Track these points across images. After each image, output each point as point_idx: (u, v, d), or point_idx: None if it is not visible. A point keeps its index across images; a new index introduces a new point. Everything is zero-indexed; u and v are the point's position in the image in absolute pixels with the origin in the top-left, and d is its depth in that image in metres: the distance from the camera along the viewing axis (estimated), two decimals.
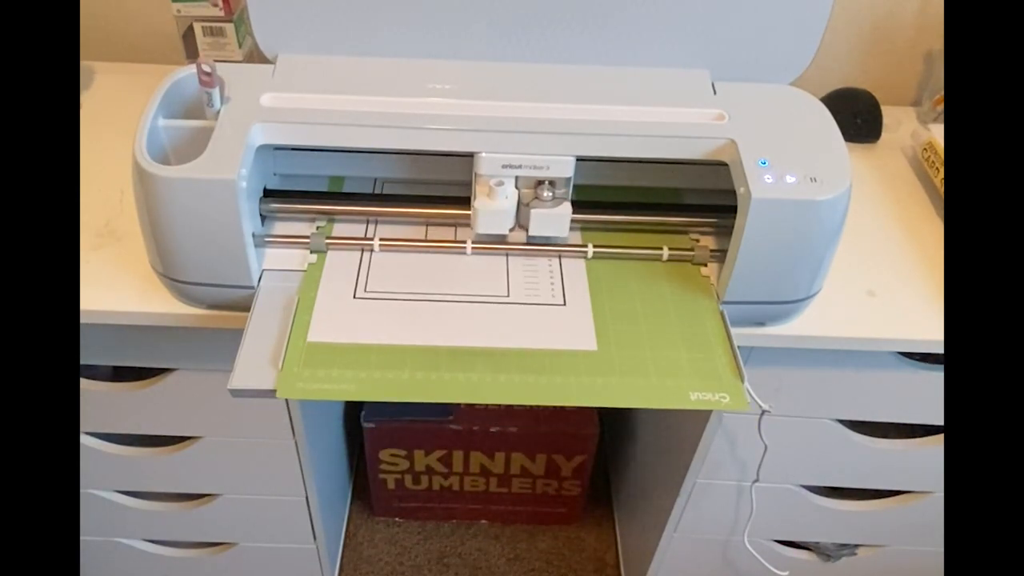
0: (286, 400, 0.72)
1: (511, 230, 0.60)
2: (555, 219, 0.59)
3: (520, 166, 0.57)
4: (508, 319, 0.56)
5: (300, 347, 0.53)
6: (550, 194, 0.58)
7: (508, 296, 0.58)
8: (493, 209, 0.58)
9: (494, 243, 0.62)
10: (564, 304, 0.58)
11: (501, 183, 0.58)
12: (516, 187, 0.59)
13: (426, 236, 0.63)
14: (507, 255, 0.62)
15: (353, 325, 0.55)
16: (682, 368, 0.54)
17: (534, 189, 0.58)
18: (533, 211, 0.59)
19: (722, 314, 0.59)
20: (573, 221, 0.64)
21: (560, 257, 0.62)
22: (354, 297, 0.57)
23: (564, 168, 0.57)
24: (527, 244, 0.62)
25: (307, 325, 0.55)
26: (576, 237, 0.63)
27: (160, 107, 0.58)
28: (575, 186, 0.66)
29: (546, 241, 0.61)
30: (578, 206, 0.64)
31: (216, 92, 0.56)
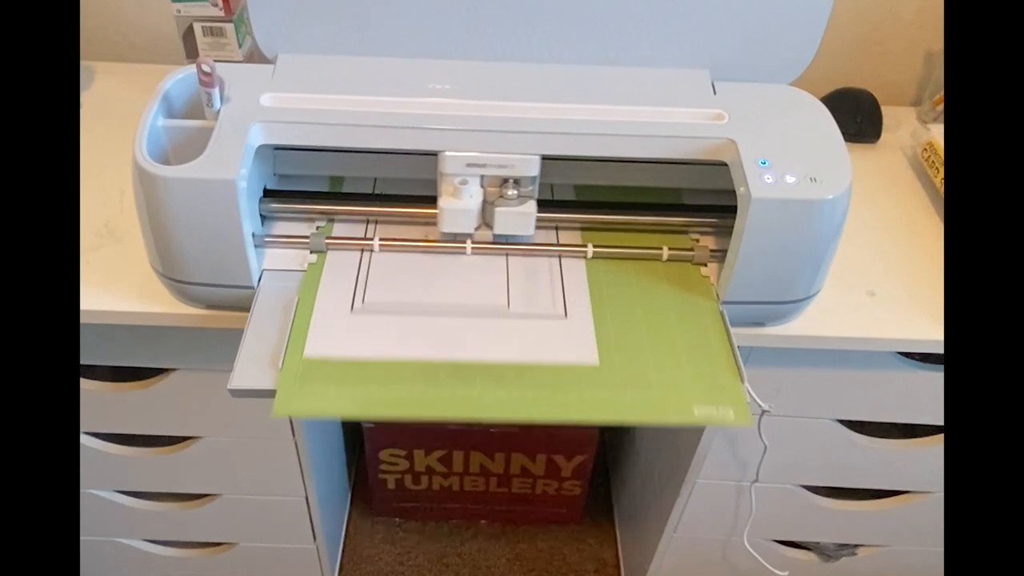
0: None
1: (477, 228, 0.60)
2: (520, 218, 0.59)
3: (485, 165, 0.57)
4: (508, 332, 0.55)
5: (296, 362, 0.52)
6: (515, 192, 0.58)
7: (508, 308, 0.57)
8: (457, 208, 0.58)
9: (494, 243, 0.62)
10: (565, 316, 0.57)
11: (465, 182, 0.57)
12: (481, 186, 0.58)
13: (426, 236, 0.63)
14: (507, 255, 0.62)
15: (350, 339, 0.54)
16: (684, 381, 0.53)
17: (499, 188, 0.58)
18: (497, 210, 0.58)
19: (722, 314, 0.59)
20: (573, 221, 0.64)
21: (560, 257, 0.62)
22: (351, 310, 0.56)
23: (529, 167, 0.57)
24: (527, 245, 0.62)
25: (304, 338, 0.54)
26: (576, 237, 0.63)
27: (160, 107, 0.58)
28: (575, 187, 0.66)
29: (513, 240, 0.61)
30: (578, 206, 0.64)
31: (216, 92, 0.56)
